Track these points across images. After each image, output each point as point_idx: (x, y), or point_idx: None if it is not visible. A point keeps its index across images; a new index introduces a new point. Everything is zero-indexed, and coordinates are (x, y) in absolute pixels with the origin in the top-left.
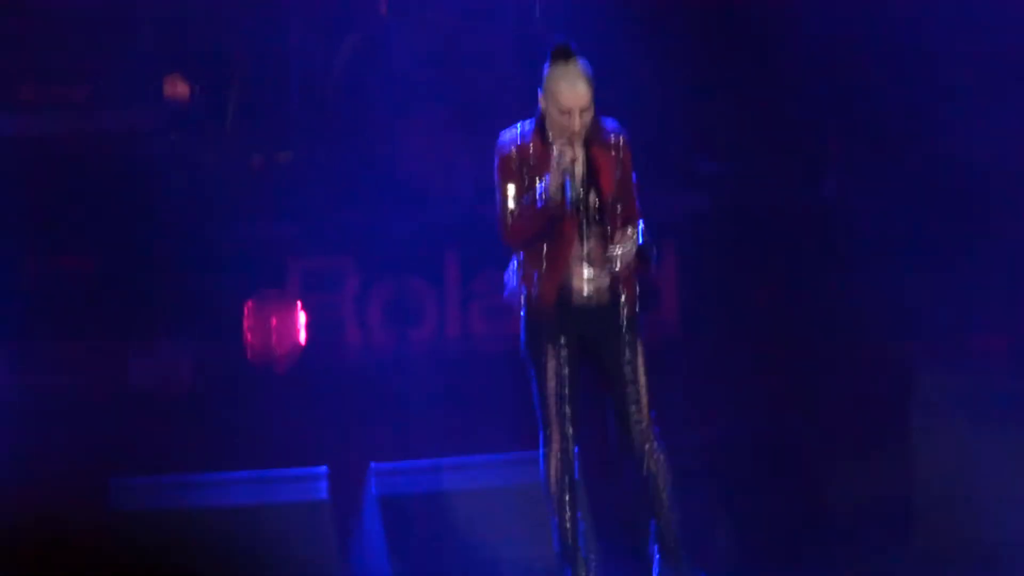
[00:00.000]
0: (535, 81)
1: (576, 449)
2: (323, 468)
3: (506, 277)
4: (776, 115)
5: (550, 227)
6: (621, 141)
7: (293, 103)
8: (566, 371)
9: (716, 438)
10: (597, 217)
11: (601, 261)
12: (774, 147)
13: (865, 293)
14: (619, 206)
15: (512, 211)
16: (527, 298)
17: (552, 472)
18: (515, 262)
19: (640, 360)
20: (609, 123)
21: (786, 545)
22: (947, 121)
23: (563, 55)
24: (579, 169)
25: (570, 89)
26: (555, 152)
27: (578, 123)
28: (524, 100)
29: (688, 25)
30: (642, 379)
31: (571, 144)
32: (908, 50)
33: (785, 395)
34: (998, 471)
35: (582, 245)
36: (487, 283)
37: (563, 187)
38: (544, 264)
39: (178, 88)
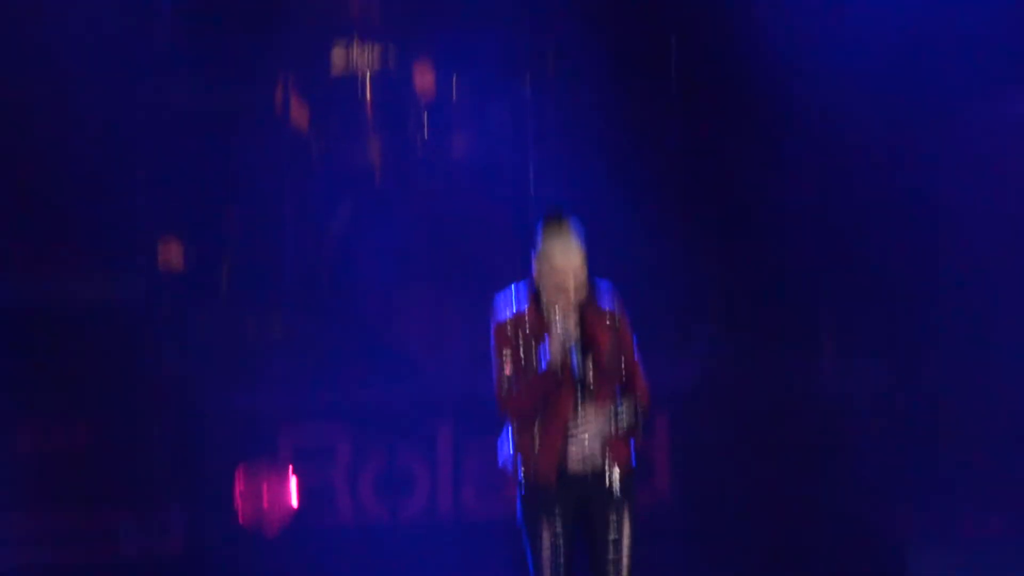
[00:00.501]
0: (529, 248)
1: None
2: None
3: (499, 444)
4: (772, 287)
5: (545, 403)
6: (616, 307)
7: (287, 272)
8: (561, 545)
9: None
10: (592, 386)
11: (594, 431)
12: (769, 319)
13: (858, 470)
14: (615, 374)
15: (510, 381)
16: (524, 471)
17: None
18: (508, 430)
19: (626, 532)
20: (603, 286)
21: None
22: (946, 291)
23: (555, 218)
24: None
25: (563, 251)
26: (558, 325)
27: (572, 284)
28: (518, 269)
29: (683, 193)
30: (625, 558)
31: (569, 311)
32: (909, 215)
33: (774, 569)
34: None
35: (577, 415)
36: (480, 455)
37: (567, 358)
38: (539, 436)
39: (171, 256)
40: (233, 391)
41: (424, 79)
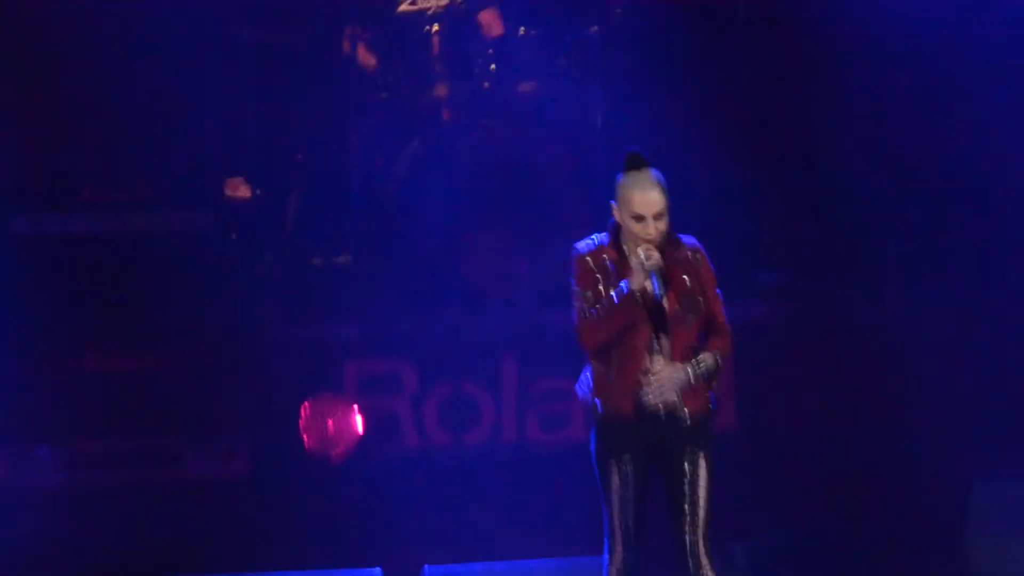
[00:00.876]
0: (594, 186)
1: (641, 555)
2: (377, 570)
3: (577, 386)
4: (837, 227)
5: (623, 337)
6: (697, 256)
7: (354, 206)
8: (631, 487)
9: (770, 543)
10: (671, 317)
11: (673, 376)
12: (834, 259)
13: (921, 400)
14: (693, 311)
15: (590, 314)
16: (598, 409)
17: None
18: (586, 372)
19: (703, 478)
20: (686, 239)
21: None
22: (1009, 231)
23: (635, 163)
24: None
25: (643, 195)
26: (641, 254)
27: (653, 229)
28: (583, 207)
29: (748, 134)
30: (702, 500)
31: (650, 246)
32: (973, 157)
33: (839, 502)
34: None
35: (652, 358)
36: (544, 388)
37: (648, 284)
38: (616, 370)
39: (239, 190)
40: (301, 322)
41: (490, 17)
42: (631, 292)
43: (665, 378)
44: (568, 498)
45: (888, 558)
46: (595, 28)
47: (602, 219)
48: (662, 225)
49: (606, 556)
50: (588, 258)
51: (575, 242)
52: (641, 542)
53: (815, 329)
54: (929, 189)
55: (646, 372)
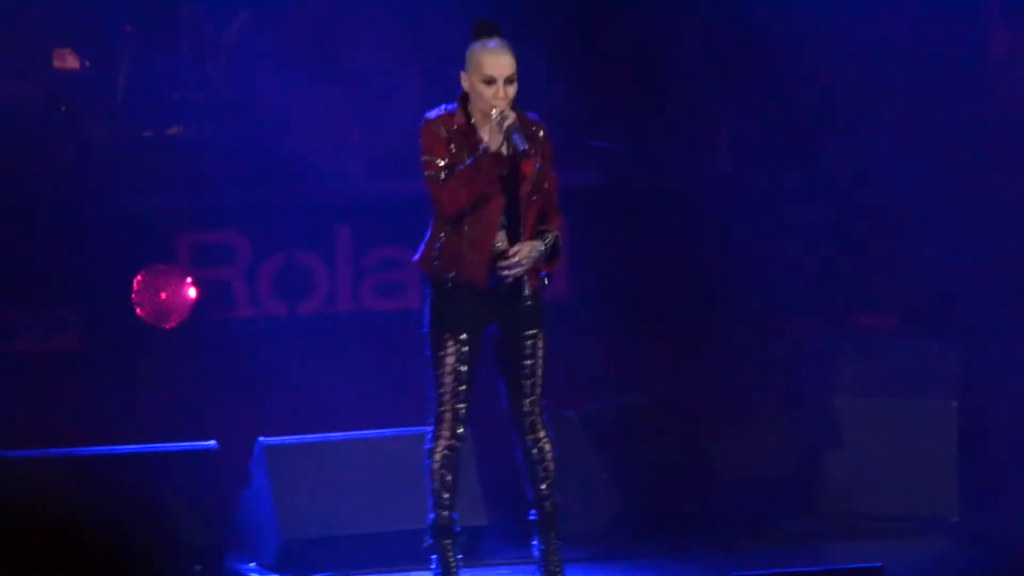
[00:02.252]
0: (422, 53)
1: (466, 431)
2: (212, 443)
3: (415, 258)
4: (669, 92)
5: (476, 208)
6: (541, 132)
7: (184, 77)
8: (464, 364)
9: (604, 408)
10: (520, 204)
11: (513, 250)
12: (667, 124)
13: (751, 262)
14: (537, 198)
15: (449, 178)
16: (446, 281)
17: (438, 454)
18: (426, 243)
19: (540, 353)
20: (530, 114)
21: (672, 514)
22: (841, 94)
23: (486, 30)
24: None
25: (495, 58)
26: (496, 114)
27: (504, 93)
28: (413, 76)
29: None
30: (539, 372)
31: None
32: (804, 23)
33: (673, 368)
34: (879, 444)
35: (498, 232)
36: (378, 258)
37: (507, 146)
38: (467, 248)
39: (68, 60)
40: (132, 194)
41: None
42: (493, 152)
43: (525, 253)
44: (404, 368)
45: (716, 422)
46: None
47: (434, 88)
48: (512, 90)
49: (432, 428)
50: (437, 125)
51: (401, 112)
52: (467, 420)
53: (646, 193)
54: (767, 46)
55: (500, 245)
